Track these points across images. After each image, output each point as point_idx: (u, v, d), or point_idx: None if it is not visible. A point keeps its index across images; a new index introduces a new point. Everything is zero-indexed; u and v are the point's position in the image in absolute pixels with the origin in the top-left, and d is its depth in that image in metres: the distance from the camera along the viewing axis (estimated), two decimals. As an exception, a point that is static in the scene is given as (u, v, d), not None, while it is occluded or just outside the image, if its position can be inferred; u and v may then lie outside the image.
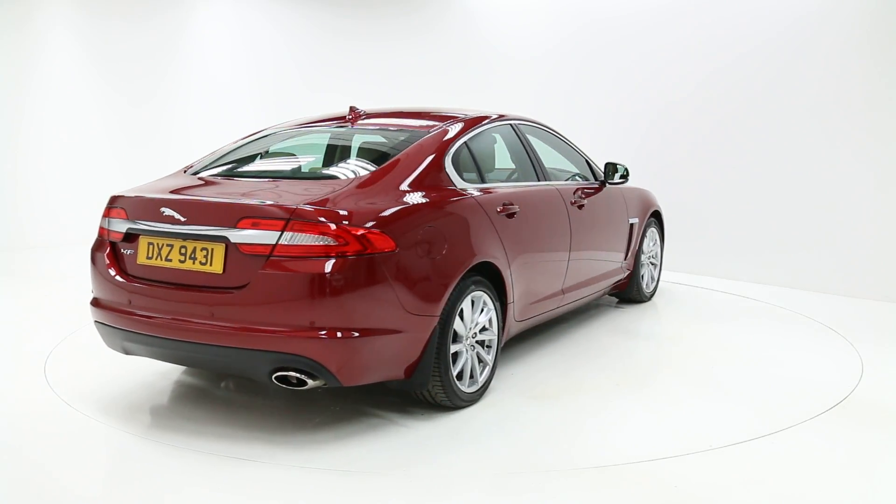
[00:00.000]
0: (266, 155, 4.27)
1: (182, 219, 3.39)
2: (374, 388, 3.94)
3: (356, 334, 3.19)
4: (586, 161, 5.40)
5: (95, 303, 3.73)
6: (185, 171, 4.11)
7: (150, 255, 3.51)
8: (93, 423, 3.61)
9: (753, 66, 7.06)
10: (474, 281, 3.75)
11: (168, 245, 3.45)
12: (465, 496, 2.96)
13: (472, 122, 4.37)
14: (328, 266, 3.13)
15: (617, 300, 6.13)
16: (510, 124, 4.75)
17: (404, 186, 3.60)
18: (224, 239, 3.27)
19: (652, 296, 6.26)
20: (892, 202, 6.35)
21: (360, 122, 4.45)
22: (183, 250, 3.39)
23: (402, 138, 4.05)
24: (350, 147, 4.37)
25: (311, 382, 3.25)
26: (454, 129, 4.17)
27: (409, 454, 3.29)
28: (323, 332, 3.14)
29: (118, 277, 3.59)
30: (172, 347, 3.42)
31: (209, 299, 3.27)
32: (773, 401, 3.98)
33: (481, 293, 3.82)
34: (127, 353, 3.70)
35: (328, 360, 3.17)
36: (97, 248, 3.78)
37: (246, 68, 10.30)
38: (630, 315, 5.74)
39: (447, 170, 3.89)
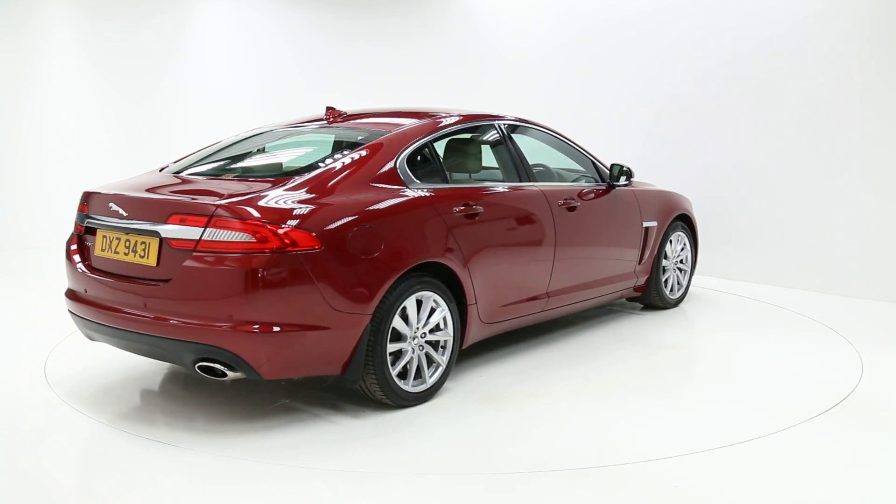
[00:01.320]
0: (232, 155, 4.36)
1: (125, 214, 3.62)
2: (314, 383, 4.01)
3: (274, 329, 3.28)
4: (593, 163, 5.27)
5: (67, 292, 3.96)
6: (160, 171, 4.27)
7: (103, 248, 3.73)
8: (91, 422, 3.64)
9: (751, 68, 7.05)
10: (420, 281, 3.75)
11: (116, 238, 3.66)
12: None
13: (442, 124, 4.35)
14: (246, 262, 3.24)
15: (641, 306, 5.98)
16: (494, 125, 4.70)
17: (343, 186, 3.64)
18: (157, 234, 3.45)
19: (679, 302, 6.03)
20: (892, 202, 6.35)
21: (335, 122, 4.51)
22: (127, 244, 3.59)
23: (361, 139, 4.10)
24: (310, 148, 4.38)
25: (231, 374, 3.37)
26: (416, 131, 4.16)
27: (322, 448, 3.34)
28: (240, 326, 3.25)
29: (80, 267, 3.84)
30: (116, 335, 3.61)
31: (144, 290, 3.46)
32: (772, 401, 3.98)
33: (430, 293, 3.81)
34: (91, 339, 3.91)
35: (246, 353, 3.28)
36: (69, 240, 4.03)
37: (246, 68, 10.30)
38: (645, 321, 5.66)
39: (399, 170, 3.89)
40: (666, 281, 5.83)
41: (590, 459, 3.24)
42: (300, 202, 3.45)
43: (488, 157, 4.73)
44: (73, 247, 3.94)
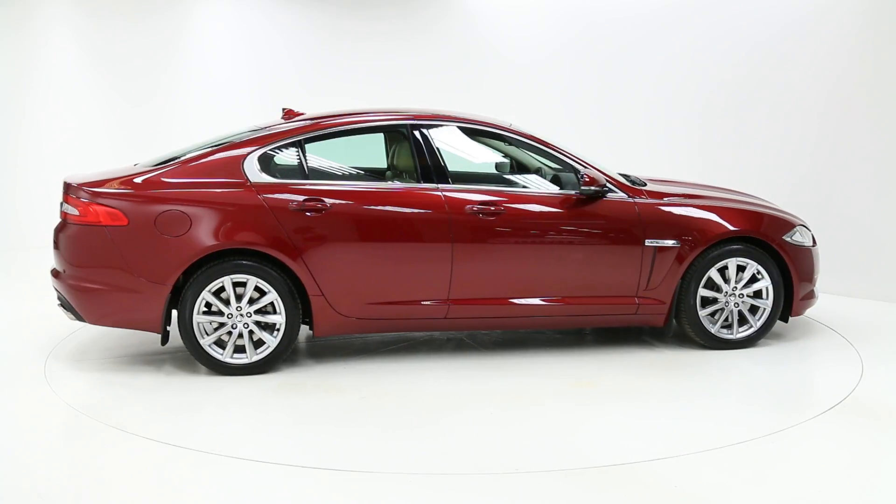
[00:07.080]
0: (180, 152, 4.56)
1: (60, 196, 4.42)
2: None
3: (88, 285, 4.20)
4: (574, 169, 4.69)
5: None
6: (134, 165, 4.68)
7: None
8: (91, 421, 3.65)
9: (746, 71, 7.03)
10: (239, 264, 4.20)
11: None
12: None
13: (332, 123, 4.54)
14: (70, 230, 4.25)
15: (702, 344, 4.84)
16: (397, 125, 4.65)
17: (176, 174, 4.27)
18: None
19: (744, 343, 4.83)
20: (892, 202, 6.35)
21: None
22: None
23: (246, 135, 4.49)
24: (213, 145, 4.52)
25: (67, 316, 4.34)
26: (287, 131, 4.46)
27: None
28: (68, 280, 4.25)
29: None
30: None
31: (55, 252, 4.42)
32: (772, 401, 3.98)
33: (252, 277, 4.21)
34: None
35: (73, 302, 4.25)
36: None
37: (246, 68, 10.29)
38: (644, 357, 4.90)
39: (244, 165, 4.32)
40: (713, 314, 4.83)
41: (589, 459, 3.24)
42: (128, 186, 4.22)
43: (378, 158, 4.78)
44: None
